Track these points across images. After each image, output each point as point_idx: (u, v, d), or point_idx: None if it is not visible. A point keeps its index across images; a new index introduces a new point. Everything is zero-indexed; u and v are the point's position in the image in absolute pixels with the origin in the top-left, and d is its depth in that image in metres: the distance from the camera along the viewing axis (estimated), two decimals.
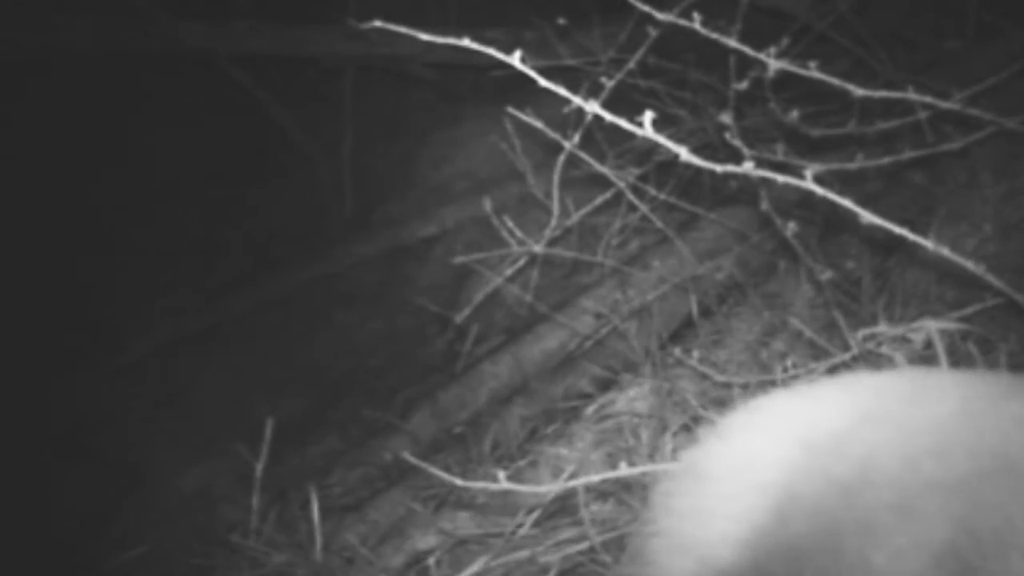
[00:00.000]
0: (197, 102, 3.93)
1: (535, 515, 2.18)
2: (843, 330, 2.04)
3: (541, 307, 2.71)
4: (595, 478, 1.92)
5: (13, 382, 3.24)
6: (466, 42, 1.80)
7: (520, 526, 2.18)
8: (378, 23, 1.82)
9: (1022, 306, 1.78)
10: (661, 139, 1.66)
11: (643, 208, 2.50)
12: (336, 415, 3.03)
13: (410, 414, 2.68)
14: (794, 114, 1.86)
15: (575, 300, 2.68)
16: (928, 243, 1.57)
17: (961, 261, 1.59)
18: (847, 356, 1.99)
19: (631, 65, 2.33)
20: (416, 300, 3.23)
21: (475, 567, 2.15)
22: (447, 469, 2.12)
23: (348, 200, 3.78)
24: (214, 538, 2.50)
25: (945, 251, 1.57)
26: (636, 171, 2.58)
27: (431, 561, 2.27)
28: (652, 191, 2.57)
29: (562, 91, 1.72)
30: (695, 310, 2.45)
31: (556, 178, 2.31)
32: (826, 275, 2.05)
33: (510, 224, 2.51)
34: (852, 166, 1.87)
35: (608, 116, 1.69)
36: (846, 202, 1.59)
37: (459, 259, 2.69)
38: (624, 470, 1.84)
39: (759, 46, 1.71)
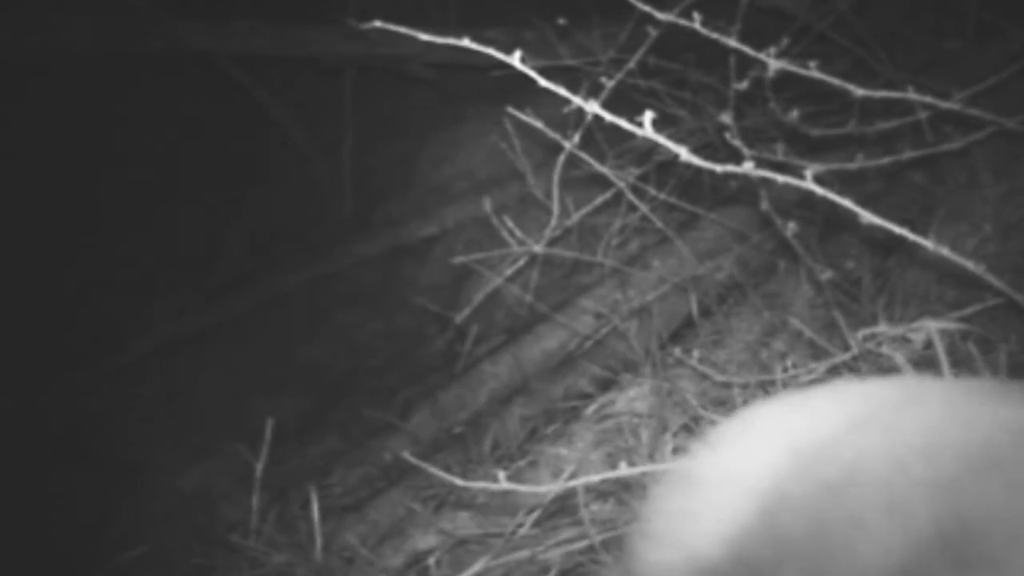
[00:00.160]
0: (197, 102, 3.93)
1: (535, 515, 2.17)
2: (843, 330, 2.04)
3: (541, 307, 2.71)
4: (595, 478, 1.91)
5: (13, 382, 3.25)
6: (466, 42, 1.80)
7: (520, 526, 2.18)
8: (378, 23, 1.82)
9: (1022, 306, 1.78)
10: (661, 139, 1.66)
11: (643, 208, 2.50)
12: (336, 415, 3.03)
13: (410, 414, 2.68)
14: (794, 114, 1.86)
15: (575, 300, 2.67)
16: (928, 243, 1.57)
17: (961, 261, 1.59)
18: (847, 356, 1.99)
19: (631, 65, 2.33)
20: (416, 300, 3.23)
21: (475, 567, 2.15)
22: (447, 469, 2.11)
23: (348, 200, 3.78)
24: (214, 538, 2.50)
25: (945, 251, 1.57)
26: (636, 171, 2.58)
27: (431, 561, 2.27)
28: (652, 191, 2.56)
29: (562, 91, 1.71)
30: (695, 310, 2.44)
31: (556, 178, 2.31)
32: (826, 275, 2.05)
33: (510, 224, 2.51)
34: (852, 166, 1.87)
35: (608, 116, 1.68)
36: (846, 202, 1.59)
37: (459, 259, 2.69)
38: (624, 470, 1.83)
39: (759, 46, 1.71)
